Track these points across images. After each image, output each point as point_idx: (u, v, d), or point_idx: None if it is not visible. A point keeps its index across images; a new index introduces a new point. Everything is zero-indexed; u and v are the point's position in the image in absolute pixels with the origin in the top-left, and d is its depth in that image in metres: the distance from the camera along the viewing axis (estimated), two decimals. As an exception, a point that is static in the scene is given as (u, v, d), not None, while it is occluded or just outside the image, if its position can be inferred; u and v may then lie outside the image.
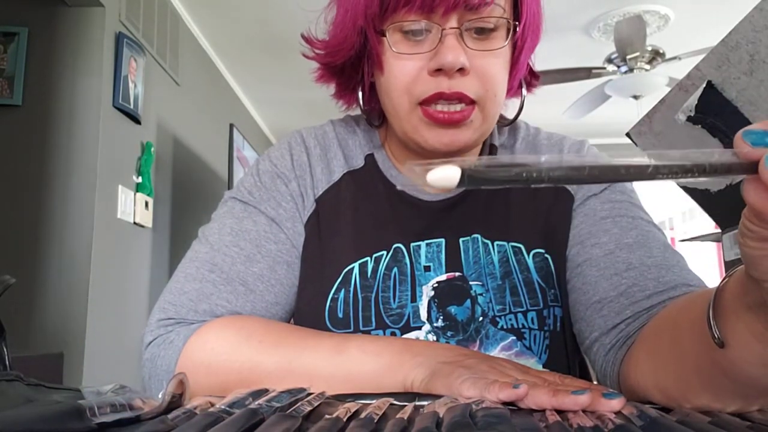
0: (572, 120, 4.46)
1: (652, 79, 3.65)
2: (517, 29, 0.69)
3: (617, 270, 0.69)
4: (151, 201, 2.83)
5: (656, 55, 3.67)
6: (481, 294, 0.74)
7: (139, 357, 0.69)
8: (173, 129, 3.20)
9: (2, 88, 2.39)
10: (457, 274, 0.75)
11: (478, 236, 0.77)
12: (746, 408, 0.48)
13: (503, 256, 0.76)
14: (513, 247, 0.77)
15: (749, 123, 0.57)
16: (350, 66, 0.75)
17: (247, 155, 4.19)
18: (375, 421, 0.41)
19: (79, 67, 2.46)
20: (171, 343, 0.65)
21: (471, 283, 0.75)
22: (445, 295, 0.74)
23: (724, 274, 0.46)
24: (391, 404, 0.48)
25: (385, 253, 0.75)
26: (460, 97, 0.67)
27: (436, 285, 0.74)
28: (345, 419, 0.41)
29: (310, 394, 0.51)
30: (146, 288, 2.85)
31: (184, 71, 3.35)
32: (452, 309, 0.74)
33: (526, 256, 0.76)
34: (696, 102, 0.60)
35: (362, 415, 0.42)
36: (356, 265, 0.75)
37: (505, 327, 0.73)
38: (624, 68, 3.72)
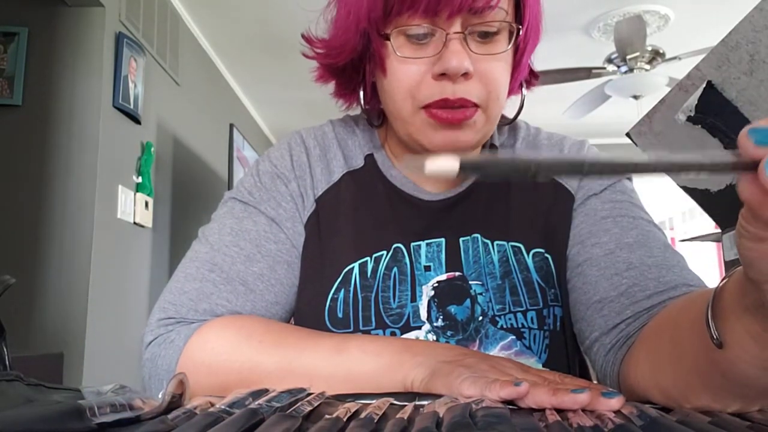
0: (572, 120, 4.46)
1: (652, 79, 3.64)
2: (520, 32, 0.69)
3: (618, 270, 0.69)
4: (151, 201, 2.83)
5: (656, 55, 3.67)
6: (480, 293, 0.74)
7: (139, 357, 0.69)
8: (173, 129, 3.20)
9: (2, 88, 2.39)
10: (457, 273, 0.75)
11: (478, 236, 0.77)
12: (746, 408, 0.48)
13: (503, 255, 0.76)
14: (513, 246, 0.77)
15: (749, 123, 0.57)
16: (351, 67, 0.75)
17: (247, 155, 4.19)
18: (375, 421, 0.41)
19: (79, 67, 2.46)
20: (171, 342, 0.65)
21: (471, 282, 0.75)
22: (445, 295, 0.74)
23: (724, 274, 0.47)
24: (391, 404, 0.48)
25: (385, 252, 0.75)
26: (464, 104, 0.67)
27: (436, 285, 0.74)
28: (345, 419, 0.41)
29: (310, 394, 0.51)
30: (146, 288, 2.85)
31: (184, 71, 3.35)
32: (452, 308, 0.74)
33: (525, 255, 0.76)
34: (696, 102, 0.60)
35: (362, 415, 0.42)
36: (356, 265, 0.75)
37: (504, 326, 0.73)
38: (624, 68, 3.72)
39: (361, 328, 0.73)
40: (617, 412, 0.44)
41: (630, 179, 0.81)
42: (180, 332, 0.66)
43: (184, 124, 3.35)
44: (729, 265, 0.64)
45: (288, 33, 3.53)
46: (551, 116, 4.51)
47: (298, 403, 0.46)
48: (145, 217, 2.78)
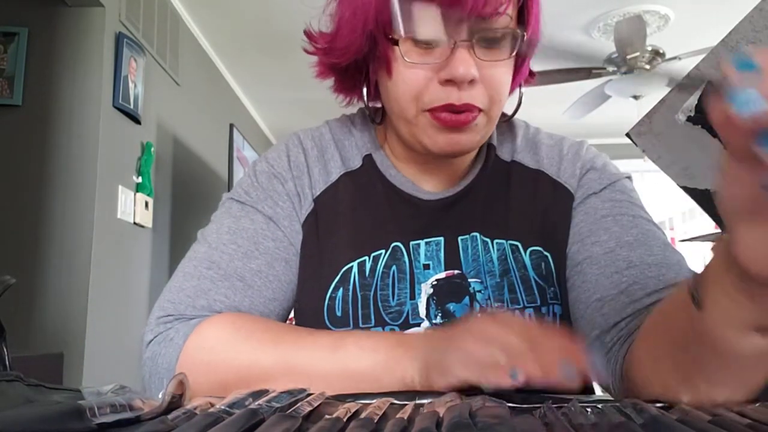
0: (572, 120, 4.46)
1: (652, 79, 3.64)
2: (524, 38, 0.70)
3: (618, 268, 0.70)
4: (151, 201, 2.83)
5: (656, 55, 3.67)
6: (479, 291, 0.75)
7: (140, 356, 0.69)
8: (173, 129, 3.20)
9: (2, 88, 2.39)
10: (456, 271, 0.76)
11: (477, 234, 0.77)
12: (740, 394, 0.50)
13: (502, 254, 0.77)
14: (511, 245, 0.77)
15: (749, 123, 0.57)
16: (354, 66, 0.75)
17: (247, 155, 4.19)
18: (375, 421, 0.41)
19: (79, 67, 2.46)
20: (171, 340, 0.65)
21: (470, 280, 0.75)
22: (444, 293, 0.74)
23: None
24: (391, 404, 0.48)
25: (383, 251, 0.76)
26: (469, 109, 0.68)
27: (435, 283, 0.75)
28: (345, 419, 0.41)
29: (310, 394, 0.51)
30: (146, 288, 2.85)
31: (184, 71, 3.35)
32: (451, 306, 0.74)
33: (523, 253, 0.77)
34: (696, 102, 0.60)
35: (362, 415, 0.42)
36: (355, 264, 0.75)
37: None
38: (624, 68, 3.72)
39: (360, 325, 0.73)
40: (617, 411, 0.44)
41: (630, 178, 0.82)
42: (179, 330, 0.66)
43: (184, 124, 3.35)
44: (729, 265, 0.64)
45: (288, 33, 3.53)
46: (551, 116, 4.51)
47: (298, 404, 0.46)
48: (145, 217, 2.78)
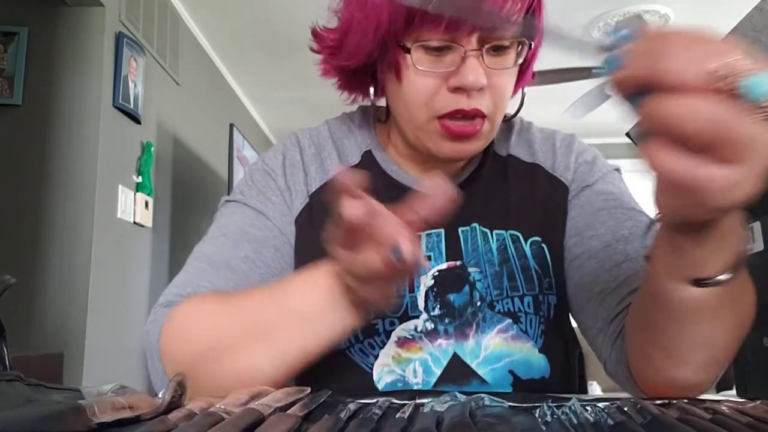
0: (573, 120, 4.45)
1: (653, 79, 3.64)
2: (532, 47, 0.72)
3: (616, 261, 0.72)
4: (151, 201, 2.83)
5: (656, 55, 3.67)
6: (479, 280, 0.76)
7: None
8: (173, 129, 3.20)
9: (2, 88, 2.39)
10: (458, 262, 0.77)
11: (477, 225, 0.78)
12: (695, 371, 0.58)
13: (501, 244, 0.78)
14: (511, 235, 0.78)
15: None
16: (362, 68, 0.75)
17: (247, 155, 4.19)
18: (375, 420, 0.41)
19: (79, 66, 2.46)
20: (156, 322, 0.67)
21: (470, 269, 0.76)
22: (445, 284, 0.75)
23: None
24: (391, 404, 0.48)
25: None
26: (477, 113, 0.69)
27: (437, 274, 0.76)
28: (345, 419, 0.41)
29: (310, 394, 0.51)
30: (146, 288, 2.85)
31: (184, 71, 3.35)
32: (451, 296, 0.75)
33: (523, 243, 0.78)
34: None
35: (362, 415, 0.42)
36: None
37: (501, 311, 0.75)
38: (624, 68, 3.71)
39: None
40: (617, 411, 0.44)
41: (619, 170, 0.85)
42: (163, 313, 0.68)
43: (184, 123, 3.35)
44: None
45: (288, 33, 3.54)
46: (551, 116, 4.50)
47: (298, 403, 0.46)
48: (145, 217, 2.78)
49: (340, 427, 0.39)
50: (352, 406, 0.45)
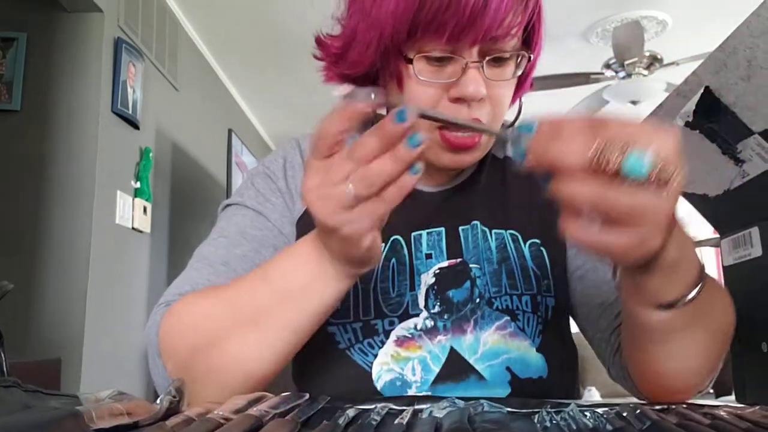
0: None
1: (650, 85, 3.65)
2: (531, 59, 0.72)
3: None
4: (149, 206, 2.83)
5: (654, 61, 3.68)
6: (478, 277, 0.77)
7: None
8: (172, 134, 3.20)
9: (1, 93, 2.39)
10: (459, 260, 0.78)
11: (477, 223, 0.79)
12: (698, 379, 0.63)
13: (501, 242, 0.79)
14: (511, 234, 0.79)
15: (747, 128, 0.57)
16: (365, 77, 0.76)
17: (245, 160, 4.20)
18: (373, 427, 0.41)
19: (77, 72, 2.46)
20: (155, 320, 0.68)
21: (471, 266, 0.77)
22: (446, 281, 0.76)
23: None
24: (390, 410, 0.48)
25: (383, 245, 0.77)
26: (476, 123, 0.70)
27: (438, 272, 0.77)
28: (343, 425, 0.41)
29: (308, 400, 0.51)
30: (144, 293, 2.85)
31: (183, 76, 3.36)
32: (450, 293, 0.76)
33: (522, 244, 0.79)
34: (694, 107, 0.60)
35: (360, 421, 0.42)
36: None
37: (500, 308, 0.76)
38: (622, 74, 3.73)
39: (361, 318, 0.75)
40: (617, 414, 0.44)
41: None
42: (163, 311, 0.69)
43: (183, 129, 3.35)
44: (727, 270, 0.64)
45: (287, 39, 3.54)
46: (549, 121, 4.51)
47: (297, 409, 0.46)
48: (144, 223, 2.78)
49: (339, 433, 0.38)
50: (350, 412, 0.45)
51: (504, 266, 0.77)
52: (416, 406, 0.49)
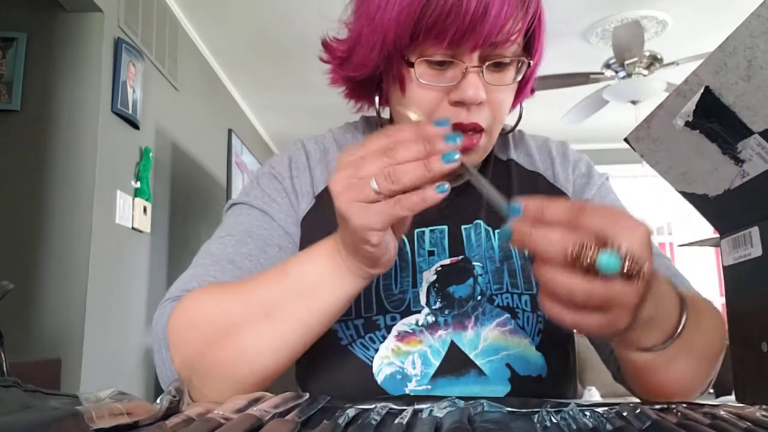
0: (571, 125, 4.46)
1: (650, 85, 3.65)
2: (531, 65, 0.74)
3: None
4: (149, 206, 2.83)
5: (654, 61, 3.68)
6: (481, 275, 0.78)
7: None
8: (172, 134, 3.20)
9: (1, 93, 2.39)
10: (461, 257, 0.79)
11: (481, 222, 0.80)
12: (694, 390, 0.67)
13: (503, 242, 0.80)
14: None
15: (747, 128, 0.57)
16: (368, 79, 0.78)
17: (245, 160, 4.19)
18: (374, 426, 0.41)
19: (77, 72, 2.46)
20: (163, 314, 0.70)
21: (473, 263, 0.78)
22: (448, 277, 0.77)
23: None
24: (390, 410, 0.48)
25: None
26: (475, 128, 0.71)
27: (440, 269, 0.77)
28: (343, 425, 0.41)
29: (308, 399, 0.51)
30: (144, 293, 2.85)
31: (183, 76, 3.36)
32: (452, 288, 0.77)
33: None
34: (694, 107, 0.60)
35: (360, 421, 0.42)
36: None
37: (501, 305, 0.77)
38: (622, 73, 3.73)
39: (363, 314, 0.75)
40: (617, 414, 0.44)
41: (607, 177, 0.89)
42: (170, 306, 0.70)
43: (183, 129, 3.35)
44: (727, 270, 0.64)
45: (286, 39, 3.54)
46: (549, 121, 4.51)
47: (297, 409, 0.46)
48: (144, 222, 2.78)
49: (339, 432, 0.38)
50: (350, 412, 0.45)
51: (506, 265, 0.78)
52: (416, 406, 0.49)
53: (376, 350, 0.74)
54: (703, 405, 0.52)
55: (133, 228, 2.69)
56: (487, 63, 0.69)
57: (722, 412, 0.46)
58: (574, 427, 0.41)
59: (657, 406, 0.51)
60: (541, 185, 0.85)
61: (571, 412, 0.45)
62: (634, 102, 3.80)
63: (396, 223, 0.56)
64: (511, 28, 0.67)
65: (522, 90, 0.79)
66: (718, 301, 6.00)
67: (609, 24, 3.53)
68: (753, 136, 0.57)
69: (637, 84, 3.67)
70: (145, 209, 2.78)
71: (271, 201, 0.80)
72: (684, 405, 0.52)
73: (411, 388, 0.72)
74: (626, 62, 3.53)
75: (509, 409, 0.49)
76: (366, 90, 0.81)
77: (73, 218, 2.36)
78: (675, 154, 0.66)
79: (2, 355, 0.52)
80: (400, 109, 0.76)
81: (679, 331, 0.57)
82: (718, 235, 0.70)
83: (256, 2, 3.23)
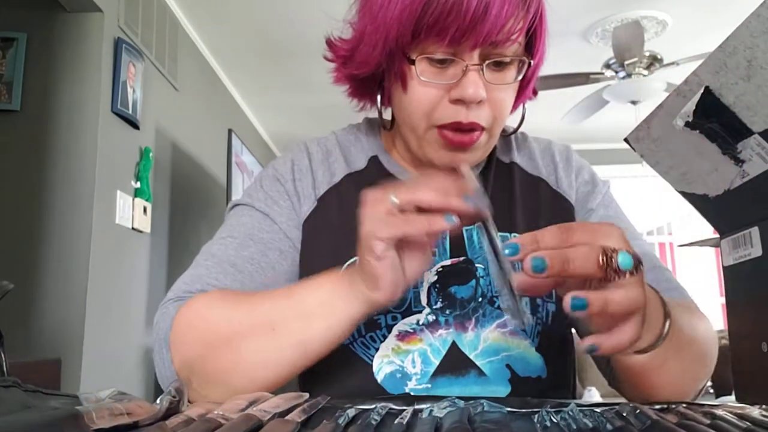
0: (571, 125, 4.46)
1: (650, 85, 3.65)
2: (531, 64, 0.74)
3: None
4: (149, 206, 2.83)
5: (654, 61, 3.68)
6: (482, 276, 0.78)
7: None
8: (172, 134, 3.20)
9: (0, 94, 2.39)
10: (463, 258, 0.79)
11: (482, 224, 0.79)
12: (687, 394, 0.69)
13: None
14: (514, 237, 0.79)
15: (747, 128, 0.57)
16: (371, 77, 0.79)
17: (245, 160, 4.19)
18: (374, 426, 0.41)
19: (77, 72, 2.46)
20: (167, 315, 0.72)
21: (476, 265, 0.78)
22: (449, 278, 0.77)
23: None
24: (390, 410, 0.48)
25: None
26: (474, 127, 0.72)
27: (440, 270, 0.77)
28: (343, 425, 0.41)
29: (308, 400, 0.51)
30: (144, 293, 2.85)
31: (183, 76, 3.36)
32: (453, 288, 0.77)
33: None
34: (694, 107, 0.60)
35: (361, 421, 0.42)
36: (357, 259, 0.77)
37: (501, 306, 0.77)
38: (622, 74, 3.73)
39: None
40: (616, 414, 0.44)
41: (608, 184, 0.90)
42: (174, 306, 0.72)
43: (183, 129, 3.35)
44: (727, 270, 0.64)
45: (286, 39, 3.54)
46: (549, 121, 4.52)
47: (297, 409, 0.46)
48: (144, 223, 2.78)
49: (339, 432, 0.38)
50: (350, 412, 0.45)
51: None
52: (416, 406, 0.49)
53: (377, 349, 0.75)
54: (703, 405, 0.52)
55: (133, 228, 2.69)
56: (487, 61, 0.70)
57: (722, 412, 0.46)
58: (574, 427, 0.41)
59: (657, 406, 0.51)
60: (543, 191, 0.85)
61: (571, 412, 0.45)
62: (634, 102, 3.80)
63: (408, 264, 0.60)
64: (512, 27, 0.68)
65: (524, 90, 0.79)
66: (718, 301, 6.00)
67: (609, 24, 3.53)
68: (753, 136, 0.57)
69: (637, 84, 3.67)
70: (145, 209, 2.78)
71: (274, 204, 0.81)
72: (684, 405, 0.52)
73: (411, 386, 0.72)
74: (626, 62, 3.53)
75: (509, 409, 0.49)
76: (368, 89, 0.82)
77: (73, 218, 2.36)
78: (675, 154, 0.66)
79: (2, 355, 0.52)
80: (402, 119, 0.77)
81: (666, 329, 0.60)
82: (718, 235, 0.70)
83: (256, 2, 3.23)
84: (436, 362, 0.73)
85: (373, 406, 0.48)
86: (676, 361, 0.65)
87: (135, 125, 2.70)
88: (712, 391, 3.41)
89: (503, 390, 0.73)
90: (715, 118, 0.59)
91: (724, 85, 0.57)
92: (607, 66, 3.79)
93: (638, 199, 5.81)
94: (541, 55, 0.76)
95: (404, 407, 0.49)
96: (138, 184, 2.73)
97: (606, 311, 0.49)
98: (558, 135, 5.03)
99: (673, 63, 3.60)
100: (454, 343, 0.74)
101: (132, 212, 2.68)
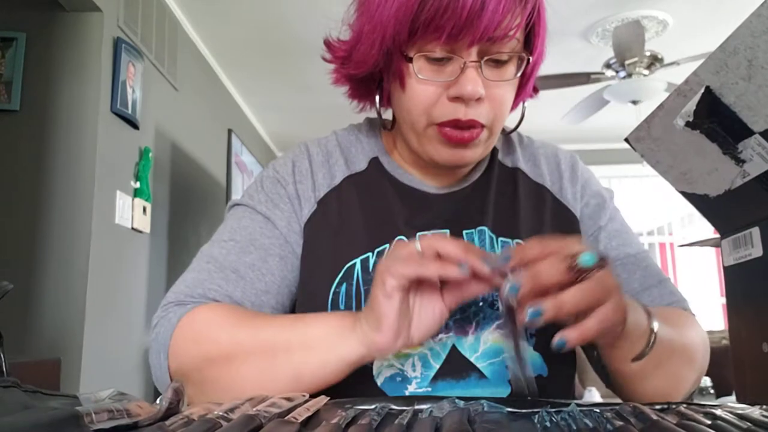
0: (571, 125, 4.46)
1: (651, 85, 3.65)
2: (530, 62, 0.74)
3: None
4: (149, 206, 2.83)
5: (655, 61, 3.68)
6: None
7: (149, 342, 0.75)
8: (171, 134, 3.20)
9: (0, 94, 2.39)
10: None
11: (485, 229, 0.80)
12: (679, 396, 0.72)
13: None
14: (517, 244, 0.80)
15: (747, 128, 0.57)
16: (369, 77, 0.79)
17: (245, 160, 4.20)
18: (374, 427, 0.41)
19: (77, 72, 2.46)
20: (169, 320, 0.71)
21: None
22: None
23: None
24: (390, 410, 0.48)
25: (387, 246, 0.78)
26: (474, 125, 0.72)
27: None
28: (343, 425, 0.41)
29: (309, 400, 0.51)
30: (144, 293, 2.85)
31: (183, 76, 3.35)
32: None
33: None
34: (694, 107, 0.60)
35: (360, 422, 0.42)
36: (358, 260, 0.77)
37: (500, 308, 0.76)
38: (622, 73, 3.72)
39: None
40: (617, 415, 0.44)
41: (612, 197, 0.90)
42: (176, 312, 0.72)
43: (183, 129, 3.35)
44: (728, 270, 0.64)
45: (286, 39, 3.54)
46: (550, 121, 4.52)
47: (297, 409, 0.46)
48: (143, 223, 2.78)
49: (339, 433, 0.38)
50: (350, 412, 0.45)
51: None
52: (416, 407, 0.49)
53: None
54: (703, 405, 0.52)
55: (132, 228, 2.69)
56: (485, 58, 0.70)
57: (722, 413, 0.46)
58: (574, 427, 0.41)
59: (657, 406, 0.51)
60: (547, 199, 0.85)
61: (571, 412, 0.45)
62: (634, 102, 3.80)
63: (417, 316, 0.63)
64: (509, 23, 0.68)
65: (523, 87, 0.79)
66: (719, 301, 6.00)
67: (609, 24, 3.53)
68: (753, 136, 0.57)
69: (638, 84, 3.67)
70: (144, 209, 2.78)
71: (275, 207, 0.81)
72: (684, 405, 0.52)
73: (411, 390, 0.72)
74: (627, 62, 3.53)
75: (509, 409, 0.49)
76: (368, 89, 0.82)
77: (73, 218, 2.36)
78: (675, 154, 0.66)
79: (2, 355, 0.52)
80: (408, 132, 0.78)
81: (652, 341, 0.64)
82: (718, 236, 0.70)
83: (256, 2, 3.23)
84: (437, 366, 0.73)
85: (373, 407, 0.48)
86: (670, 365, 0.68)
87: (134, 125, 2.70)
88: (712, 391, 3.41)
89: (504, 391, 0.73)
90: (715, 118, 0.59)
91: (724, 84, 0.57)
92: (608, 66, 3.79)
93: (638, 199, 5.81)
94: (540, 52, 0.76)
95: (404, 407, 0.49)
96: (137, 184, 2.73)
97: (563, 312, 0.53)
98: (558, 135, 5.03)
99: (673, 63, 3.60)
100: (454, 347, 0.74)
101: (132, 212, 2.68)
